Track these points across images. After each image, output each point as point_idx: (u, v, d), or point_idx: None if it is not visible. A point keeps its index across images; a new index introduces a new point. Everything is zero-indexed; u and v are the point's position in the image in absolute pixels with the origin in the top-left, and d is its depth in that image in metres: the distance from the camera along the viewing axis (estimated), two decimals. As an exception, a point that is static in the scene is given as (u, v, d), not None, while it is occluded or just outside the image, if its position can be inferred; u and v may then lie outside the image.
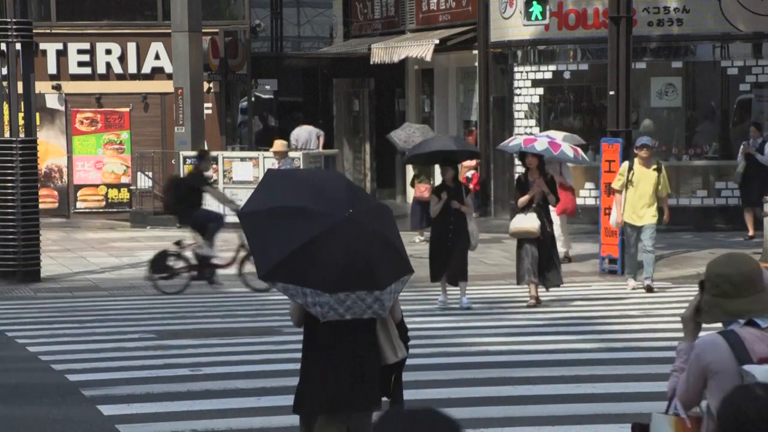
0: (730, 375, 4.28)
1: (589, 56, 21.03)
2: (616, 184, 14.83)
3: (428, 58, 22.84)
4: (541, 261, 13.37)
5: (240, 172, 21.76)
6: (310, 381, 5.97)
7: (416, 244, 19.16)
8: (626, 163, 14.85)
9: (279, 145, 19.08)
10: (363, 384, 5.94)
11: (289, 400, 9.13)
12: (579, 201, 19.09)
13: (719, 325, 4.40)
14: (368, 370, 5.97)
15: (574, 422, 8.43)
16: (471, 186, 23.35)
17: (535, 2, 20.82)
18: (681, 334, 4.53)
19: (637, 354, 10.82)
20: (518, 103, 21.79)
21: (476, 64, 22.41)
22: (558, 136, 16.56)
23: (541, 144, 14.15)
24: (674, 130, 21.45)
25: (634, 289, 14.75)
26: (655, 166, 14.57)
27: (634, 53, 17.33)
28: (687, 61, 20.95)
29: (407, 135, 19.24)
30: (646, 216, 14.61)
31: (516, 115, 21.79)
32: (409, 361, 10.35)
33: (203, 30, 22.82)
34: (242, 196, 21.69)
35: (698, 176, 20.92)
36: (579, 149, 14.99)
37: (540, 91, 21.58)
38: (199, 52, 22.60)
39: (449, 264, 13.42)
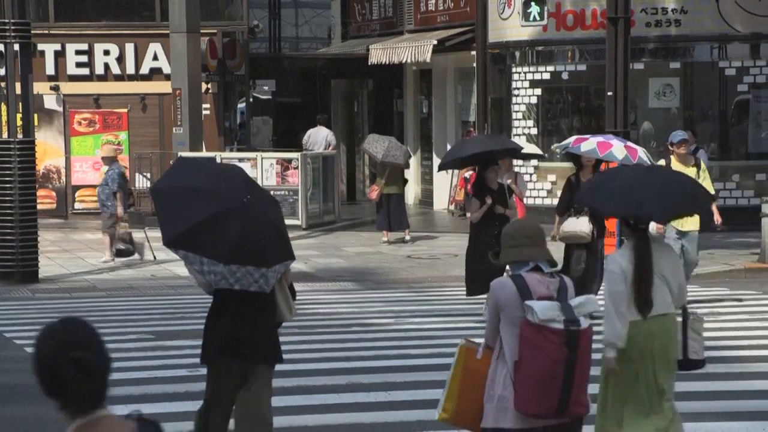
0: (515, 308, 5.50)
1: (587, 57, 21.04)
2: None
3: (427, 58, 22.84)
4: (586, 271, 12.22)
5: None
6: (213, 334, 6.83)
7: (385, 245, 19.23)
8: (662, 161, 13.48)
9: (107, 149, 18.74)
10: (258, 338, 6.80)
11: (288, 400, 9.16)
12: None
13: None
14: (263, 327, 6.85)
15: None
16: (469, 187, 23.42)
17: (533, 3, 20.86)
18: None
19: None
20: (516, 103, 21.80)
21: (474, 64, 22.41)
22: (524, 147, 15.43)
23: (589, 144, 12.57)
24: (672, 131, 21.41)
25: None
26: (693, 163, 13.32)
27: (632, 54, 17.33)
28: (685, 62, 20.97)
29: (385, 149, 19.23)
30: (689, 220, 12.60)
31: (514, 115, 21.80)
32: (408, 362, 10.48)
33: (201, 31, 22.82)
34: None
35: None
36: (638, 149, 12.66)
37: (538, 91, 21.58)
38: (198, 52, 22.60)
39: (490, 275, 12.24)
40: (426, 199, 25.60)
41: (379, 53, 24.24)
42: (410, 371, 10.00)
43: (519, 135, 21.19)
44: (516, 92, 21.78)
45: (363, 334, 12.03)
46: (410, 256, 18.26)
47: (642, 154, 12.37)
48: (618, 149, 12.30)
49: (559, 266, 12.27)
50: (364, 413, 8.63)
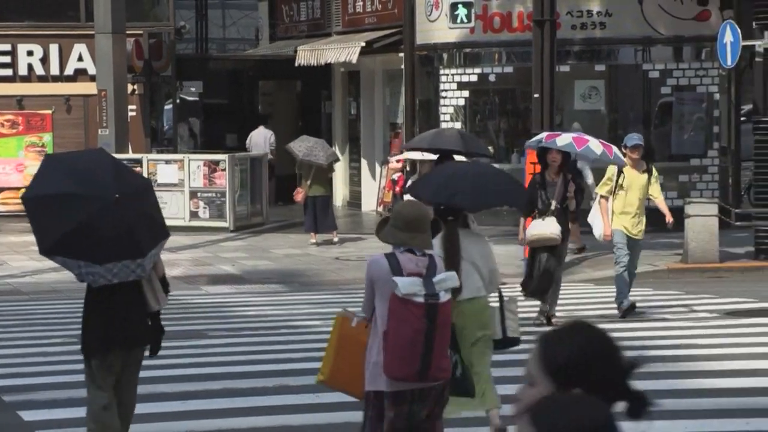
0: (386, 283, 6.05)
1: (513, 59, 21.17)
2: (602, 190, 12.79)
3: (354, 60, 22.84)
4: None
5: (165, 175, 21.58)
6: (91, 328, 7.16)
7: (313, 247, 19.21)
8: (612, 168, 12.82)
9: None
10: (131, 327, 7.20)
11: (216, 403, 9.11)
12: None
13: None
14: (135, 316, 7.22)
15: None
16: (397, 189, 23.46)
17: (460, 5, 20.95)
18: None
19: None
20: (444, 105, 21.87)
21: (402, 66, 22.46)
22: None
23: (563, 139, 12.10)
24: (597, 133, 21.62)
25: (634, 307, 12.76)
26: (644, 168, 12.77)
27: (558, 56, 17.47)
28: (610, 65, 21.19)
29: (308, 148, 19.23)
30: (638, 228, 12.70)
31: (442, 117, 21.87)
32: None
33: (127, 31, 22.59)
34: (167, 199, 21.59)
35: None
36: (612, 146, 12.29)
37: (465, 93, 21.67)
38: (123, 53, 22.38)
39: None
40: (354, 200, 25.58)
41: (307, 54, 24.19)
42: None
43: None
44: (444, 94, 21.85)
45: (291, 336, 11.99)
46: (338, 257, 18.24)
47: (617, 151, 12.05)
48: (595, 144, 11.93)
49: (523, 264, 12.09)
50: (292, 415, 8.60)
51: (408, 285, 5.98)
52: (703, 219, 16.57)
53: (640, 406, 2.79)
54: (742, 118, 21.14)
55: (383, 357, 6.06)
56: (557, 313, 12.38)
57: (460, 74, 21.66)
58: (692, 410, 8.72)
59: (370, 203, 24.71)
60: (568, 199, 11.93)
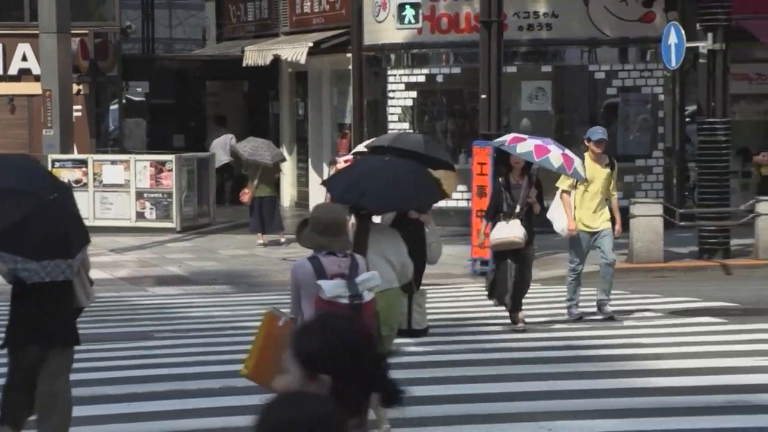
0: (311, 286, 6.35)
1: (461, 60, 21.23)
2: (563, 184, 12.43)
3: (302, 60, 22.80)
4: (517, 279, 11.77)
5: (110, 176, 21.41)
6: (18, 322, 7.37)
7: (260, 248, 19.15)
8: (577, 160, 12.52)
9: None
10: (57, 324, 7.39)
11: (163, 405, 9.04)
12: (451, 203, 19.24)
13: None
14: (62, 313, 7.41)
15: (444, 423, 8.49)
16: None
17: (407, 6, 20.97)
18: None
19: (509, 354, 10.93)
20: (392, 106, 21.88)
21: (350, 67, 22.44)
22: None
23: (525, 146, 11.71)
24: (544, 133, 21.72)
25: (582, 318, 12.47)
26: (607, 162, 12.61)
27: (504, 57, 17.54)
28: (556, 65, 21.29)
29: (253, 147, 19.18)
30: (601, 219, 12.46)
31: (390, 117, 21.88)
32: None
33: (72, 31, 22.39)
34: (113, 200, 21.43)
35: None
36: (574, 159, 11.86)
37: (413, 94, 21.70)
38: (68, 53, 22.17)
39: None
40: (302, 201, 25.53)
41: (255, 55, 24.11)
42: (285, 374, 10.00)
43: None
44: (391, 95, 21.86)
45: (237, 337, 11.92)
46: (285, 258, 18.18)
47: (578, 165, 11.73)
48: (555, 157, 11.63)
49: (490, 268, 11.88)
50: (240, 416, 8.56)
51: (332, 288, 6.24)
52: (647, 219, 16.71)
53: (393, 396, 2.93)
54: (686, 119, 21.34)
55: None
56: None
57: (408, 75, 21.68)
58: (638, 408, 8.75)
59: (317, 203, 24.61)
60: (531, 203, 11.70)
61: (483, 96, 16.92)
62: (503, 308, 12.18)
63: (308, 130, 25.10)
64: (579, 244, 12.46)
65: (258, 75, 25.49)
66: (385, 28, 21.70)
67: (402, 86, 21.71)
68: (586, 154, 12.54)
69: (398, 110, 21.80)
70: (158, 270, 17.34)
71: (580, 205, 12.41)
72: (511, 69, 20.37)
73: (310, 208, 24.85)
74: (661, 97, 21.00)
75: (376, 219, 12.56)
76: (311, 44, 22.70)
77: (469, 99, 21.34)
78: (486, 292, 12.42)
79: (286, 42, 24.05)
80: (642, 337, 11.66)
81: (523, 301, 12.06)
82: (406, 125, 21.68)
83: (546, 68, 21.23)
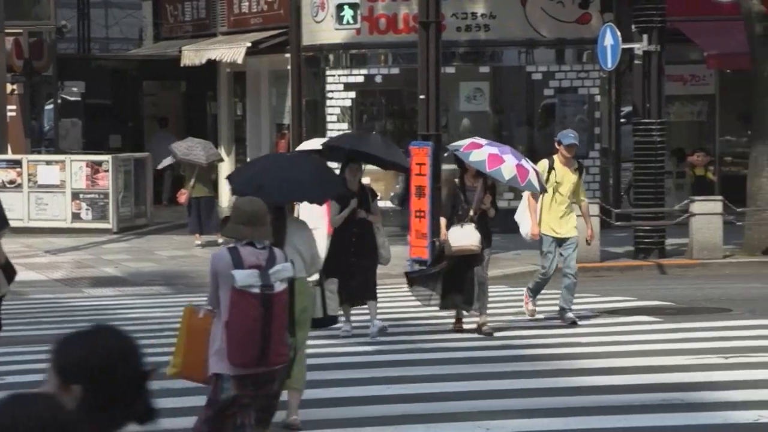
0: (228, 275, 6.48)
1: (400, 60, 21.25)
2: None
3: (240, 60, 22.69)
4: (466, 282, 11.50)
5: (45, 176, 21.17)
6: None
7: (198, 248, 19.05)
8: (545, 162, 12.25)
9: None
10: None
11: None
12: (389, 204, 19.25)
13: None
14: None
15: (385, 423, 8.47)
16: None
17: (346, 6, 20.95)
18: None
19: (448, 354, 10.93)
20: (331, 106, 21.84)
21: (288, 67, 22.38)
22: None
23: (479, 154, 11.37)
24: (482, 134, 21.79)
25: (532, 316, 12.39)
26: (576, 167, 12.32)
27: (443, 58, 17.58)
28: (494, 66, 21.38)
29: (188, 147, 19.09)
30: (568, 226, 12.18)
31: (329, 118, 21.84)
32: None
33: (6, 30, 22.10)
34: (48, 201, 21.19)
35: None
36: (529, 170, 11.42)
37: (352, 94, 21.67)
38: (2, 52, 21.88)
39: (351, 284, 11.22)
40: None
41: (192, 55, 23.96)
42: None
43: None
44: (330, 95, 21.82)
45: (174, 339, 11.82)
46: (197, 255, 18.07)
47: (532, 177, 11.36)
48: (507, 168, 11.23)
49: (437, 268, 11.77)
50: (177, 418, 8.48)
51: (245, 277, 6.42)
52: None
53: (145, 414, 2.96)
54: (622, 120, 21.53)
55: (226, 345, 6.50)
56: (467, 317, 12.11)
57: (347, 75, 21.66)
58: (574, 407, 8.80)
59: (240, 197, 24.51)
60: (485, 208, 11.49)
61: (422, 96, 16.95)
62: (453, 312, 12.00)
63: (246, 130, 25.00)
64: (546, 248, 12.16)
65: (196, 75, 25.34)
66: (324, 29, 21.66)
67: (341, 86, 21.68)
68: (555, 157, 12.27)
69: (337, 110, 21.77)
70: (94, 271, 17.17)
71: (548, 209, 12.11)
72: (450, 70, 20.40)
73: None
74: (598, 98, 21.17)
75: (316, 218, 12.79)
76: (249, 44, 22.60)
77: (407, 99, 21.35)
78: (418, 298, 12.11)
79: (223, 42, 23.93)
80: (578, 336, 11.73)
81: (482, 305, 11.77)
82: (345, 126, 21.65)
83: (484, 69, 21.30)
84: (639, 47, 17.32)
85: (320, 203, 9.70)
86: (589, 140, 21.25)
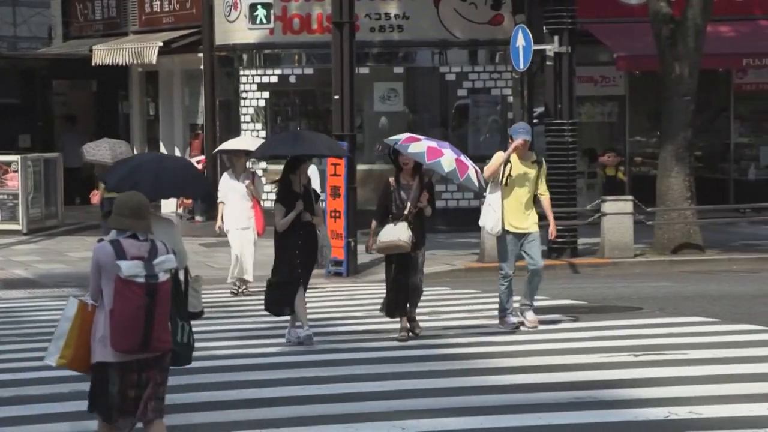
0: (111, 267, 6.83)
1: (314, 61, 21.20)
2: (486, 172, 11.70)
3: (153, 60, 22.47)
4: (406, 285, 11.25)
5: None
6: None
7: None
8: (500, 154, 11.84)
9: None
10: None
11: (7, 411, 8.79)
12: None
13: None
14: None
15: (301, 423, 8.44)
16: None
17: (259, 6, 20.85)
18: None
19: (363, 354, 10.93)
20: (245, 106, 21.73)
21: (201, 67, 22.21)
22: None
23: (417, 146, 11.15)
24: (396, 134, 21.80)
25: (519, 327, 11.86)
26: (534, 159, 11.87)
27: (357, 58, 17.59)
28: (408, 67, 21.44)
29: (95, 147, 18.86)
30: (529, 221, 11.79)
31: (243, 118, 21.73)
32: None
33: None
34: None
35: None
36: (469, 166, 11.29)
37: (266, 94, 21.58)
38: None
39: (296, 289, 11.12)
40: (154, 202, 25.12)
41: (103, 54, 23.68)
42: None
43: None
44: (244, 95, 21.71)
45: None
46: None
47: (471, 173, 11.15)
48: (447, 161, 11.03)
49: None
50: (89, 421, 8.38)
51: (130, 267, 6.78)
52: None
53: None
54: (534, 121, 21.71)
55: (109, 332, 6.84)
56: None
57: (261, 75, 21.56)
58: (488, 406, 8.83)
59: (169, 205, 24.33)
60: (422, 206, 11.22)
61: (336, 97, 16.93)
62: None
63: (160, 130, 24.75)
64: (506, 247, 11.81)
65: (107, 74, 25.04)
66: (237, 28, 21.55)
67: (254, 87, 21.57)
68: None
69: (251, 111, 21.66)
70: (3, 273, 16.89)
71: (507, 204, 11.71)
72: (364, 70, 20.43)
73: (162, 209, 24.58)
74: (510, 99, 21.32)
75: (245, 218, 13.04)
76: (161, 44, 22.40)
77: (322, 100, 21.33)
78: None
79: (135, 41, 23.68)
80: (492, 335, 11.78)
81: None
82: (259, 126, 21.56)
83: (398, 69, 21.35)
84: (550, 48, 17.48)
85: (194, 198, 10.61)
86: (503, 141, 21.41)
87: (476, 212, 16.99)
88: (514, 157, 11.75)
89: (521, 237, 11.81)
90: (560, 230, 17.59)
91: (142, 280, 6.79)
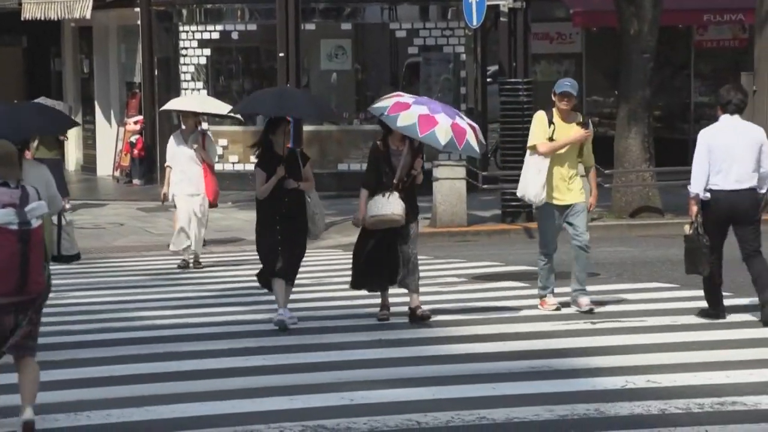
0: None
1: (257, 16, 20.67)
2: (534, 140, 10.35)
3: (86, 15, 21.76)
4: (396, 258, 10.20)
5: None
6: None
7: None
8: (542, 114, 10.45)
9: None
10: None
11: None
12: (249, 167, 18.53)
13: None
14: None
15: (245, 395, 8.03)
16: (136, 152, 22.44)
17: (199, -41, 20.19)
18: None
19: (310, 324, 10.47)
20: (185, 64, 21.19)
21: (138, 22, 21.54)
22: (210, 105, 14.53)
23: (407, 117, 9.84)
24: (346, 93, 21.34)
25: (558, 308, 10.60)
26: (580, 120, 10.52)
27: (303, 14, 17.23)
28: (356, 23, 20.96)
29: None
30: (574, 191, 10.43)
31: (183, 76, 21.20)
32: (70, 338, 9.69)
33: None
34: None
35: (370, 141, 20.80)
36: (467, 130, 9.99)
37: (207, 51, 21.09)
38: None
39: (276, 266, 10.12)
40: (89, 164, 24.56)
41: (33, 8, 22.99)
42: (73, 348, 9.51)
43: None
44: (184, 52, 21.18)
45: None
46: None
47: (470, 137, 9.90)
48: (442, 130, 9.76)
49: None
50: (9, 418, 7.71)
51: (2, 216, 6.98)
52: (450, 182, 16.45)
53: None
54: (488, 80, 21.21)
55: None
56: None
57: (201, 31, 21.03)
58: (441, 376, 8.51)
59: (106, 167, 23.83)
60: (414, 174, 10.15)
61: (281, 54, 16.64)
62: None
63: (94, 89, 24.10)
64: (547, 219, 10.48)
65: (38, 30, 24.32)
66: (176, -19, 20.90)
67: (195, 43, 21.05)
68: (554, 110, 10.46)
69: (191, 69, 21.15)
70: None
71: (549, 173, 10.31)
72: (310, 26, 19.96)
73: (98, 172, 23.91)
74: (463, 57, 20.88)
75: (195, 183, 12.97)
76: (96, -3, 21.70)
77: (266, 57, 20.86)
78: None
79: (69, -5, 22.89)
80: (445, 303, 11.39)
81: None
82: (200, 84, 21.03)
83: (346, 26, 20.84)
84: (504, 4, 16.99)
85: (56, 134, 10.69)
86: (455, 100, 20.92)
87: (428, 175, 16.39)
88: (557, 119, 10.40)
89: (564, 209, 10.46)
90: (515, 194, 17.13)
91: (15, 227, 7.04)
